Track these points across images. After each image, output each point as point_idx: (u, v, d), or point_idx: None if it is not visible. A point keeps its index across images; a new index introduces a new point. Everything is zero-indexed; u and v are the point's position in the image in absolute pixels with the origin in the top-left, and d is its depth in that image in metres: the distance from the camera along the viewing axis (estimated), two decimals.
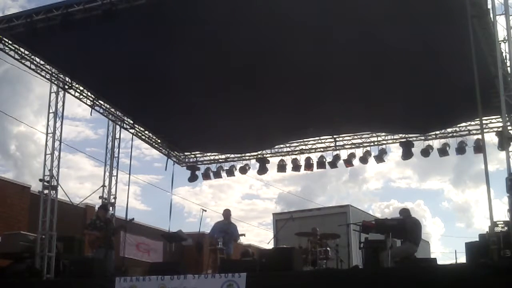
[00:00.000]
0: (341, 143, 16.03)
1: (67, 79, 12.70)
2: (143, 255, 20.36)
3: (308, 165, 16.47)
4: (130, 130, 15.33)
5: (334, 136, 15.90)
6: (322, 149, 16.35)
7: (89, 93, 13.55)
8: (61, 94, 12.60)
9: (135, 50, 11.11)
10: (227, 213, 12.37)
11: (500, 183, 8.13)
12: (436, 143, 15.26)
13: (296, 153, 16.57)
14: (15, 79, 33.70)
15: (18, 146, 36.30)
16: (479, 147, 13.78)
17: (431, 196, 53.92)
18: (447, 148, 15.12)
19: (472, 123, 14.54)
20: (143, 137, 16.01)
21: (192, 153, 17.58)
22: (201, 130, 15.23)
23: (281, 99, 13.07)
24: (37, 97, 40.05)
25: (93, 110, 13.95)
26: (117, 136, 15.19)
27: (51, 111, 12.38)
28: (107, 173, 14.88)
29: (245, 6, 9.69)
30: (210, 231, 12.28)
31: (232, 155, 17.16)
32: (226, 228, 11.95)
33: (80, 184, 39.83)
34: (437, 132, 15.11)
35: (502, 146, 9.78)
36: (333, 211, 16.11)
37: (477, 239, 8.63)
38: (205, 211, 12.67)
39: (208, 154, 17.47)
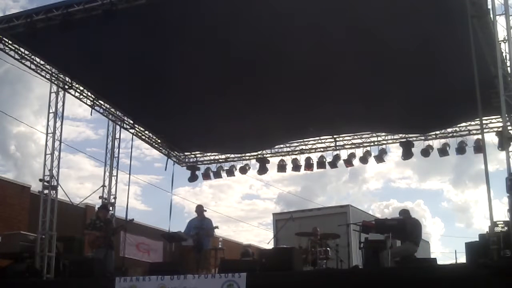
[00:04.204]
0: (341, 143, 16.03)
1: (67, 79, 12.71)
2: (143, 255, 20.33)
3: (308, 165, 16.47)
4: (130, 130, 15.34)
5: (334, 136, 15.91)
6: (322, 149, 16.35)
7: (89, 93, 13.56)
8: (61, 94, 12.63)
9: (135, 50, 11.12)
10: (199, 209, 12.37)
11: (500, 183, 8.13)
12: (436, 143, 15.27)
13: (296, 153, 16.57)
14: (15, 79, 33.70)
15: (18, 146, 36.30)
16: (479, 147, 13.78)
17: (431, 196, 53.94)
18: (447, 148, 15.11)
19: (472, 123, 14.53)
20: (143, 137, 16.01)
21: (192, 153, 17.58)
22: (201, 130, 15.23)
23: (281, 99, 13.07)
24: (37, 97, 40.03)
25: (93, 110, 13.97)
26: (117, 136, 15.23)
27: (51, 111, 12.42)
28: (107, 173, 14.90)
29: (245, 6, 9.68)
30: (185, 229, 12.25)
31: (232, 155, 17.16)
32: (200, 224, 11.93)
33: (80, 184, 39.84)
34: (437, 132, 15.10)
35: (502, 146, 9.78)
36: (333, 211, 16.08)
37: (477, 239, 8.63)
38: (205, 211, 12.65)
39: (208, 154, 17.47)
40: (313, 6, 9.58)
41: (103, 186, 14.72)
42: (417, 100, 12.86)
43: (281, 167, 16.61)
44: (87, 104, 13.70)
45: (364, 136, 15.79)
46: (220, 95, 12.91)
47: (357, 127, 15.37)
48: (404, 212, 10.76)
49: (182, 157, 17.55)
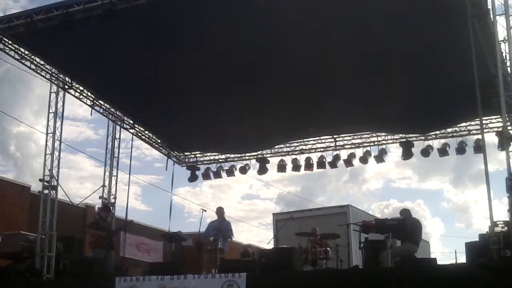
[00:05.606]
0: (341, 143, 16.04)
1: (67, 79, 12.70)
2: (143, 255, 20.35)
3: (308, 165, 16.48)
4: (130, 130, 15.34)
5: (334, 136, 15.92)
6: (322, 149, 16.36)
7: (89, 93, 13.56)
8: (61, 94, 12.59)
9: (135, 50, 11.11)
10: (219, 211, 12.35)
11: (499, 183, 8.15)
12: (436, 143, 15.29)
13: (296, 153, 16.57)
14: (15, 79, 33.73)
15: (18, 146, 36.35)
16: (479, 147, 13.78)
17: (431, 196, 54.00)
18: (447, 148, 15.12)
19: (472, 123, 14.54)
20: (143, 137, 16.02)
21: (192, 153, 17.59)
22: (201, 130, 15.24)
23: (281, 99, 13.08)
24: (37, 97, 40.08)
25: (93, 110, 13.97)
26: (117, 136, 15.22)
27: (51, 111, 12.39)
28: (107, 173, 14.90)
29: (245, 6, 9.69)
30: (205, 230, 12.27)
31: (232, 155, 17.17)
32: (219, 226, 11.93)
33: (80, 184, 39.88)
34: (437, 132, 15.11)
35: (502, 146, 9.79)
36: (333, 211, 16.10)
37: (477, 239, 8.64)
38: (205, 211, 12.64)
39: (208, 154, 17.48)
40: (313, 6, 9.58)
41: (103, 186, 14.71)
42: (417, 100, 12.85)
43: (281, 167, 16.62)
44: (87, 104, 13.71)
45: (364, 136, 15.79)
46: (220, 95, 12.91)
47: (357, 127, 15.37)
48: (405, 212, 10.74)
49: (182, 157, 17.55)
